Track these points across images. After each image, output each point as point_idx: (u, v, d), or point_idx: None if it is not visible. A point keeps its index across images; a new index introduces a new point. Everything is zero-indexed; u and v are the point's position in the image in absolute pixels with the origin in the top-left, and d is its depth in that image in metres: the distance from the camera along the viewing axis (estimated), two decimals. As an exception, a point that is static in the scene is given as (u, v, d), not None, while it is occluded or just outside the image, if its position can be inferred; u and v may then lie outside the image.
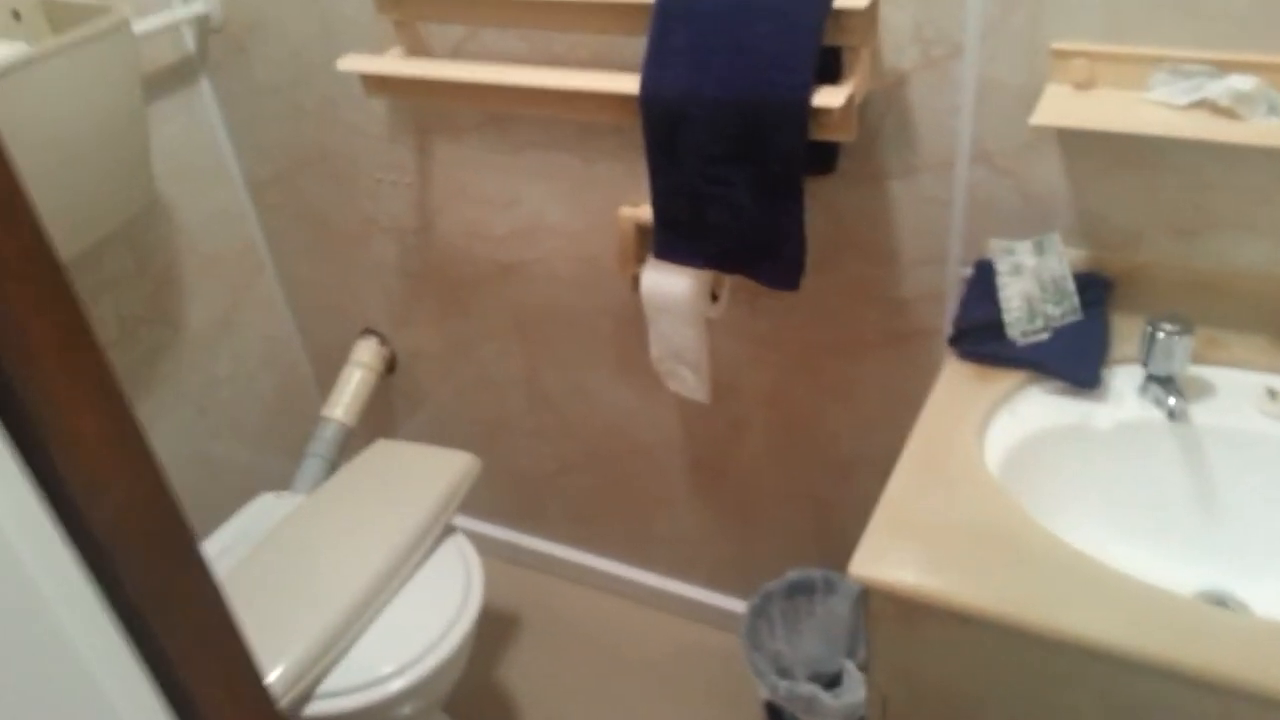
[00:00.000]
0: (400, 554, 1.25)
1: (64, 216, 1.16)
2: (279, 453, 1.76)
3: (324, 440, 1.57)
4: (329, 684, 1.13)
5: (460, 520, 1.83)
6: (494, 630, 1.68)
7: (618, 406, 1.48)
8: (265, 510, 1.40)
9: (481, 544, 1.84)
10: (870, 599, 0.82)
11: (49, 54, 1.08)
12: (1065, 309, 0.97)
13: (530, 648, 1.65)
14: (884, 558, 0.80)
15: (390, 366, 1.68)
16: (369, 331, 1.66)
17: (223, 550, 1.32)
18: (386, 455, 1.41)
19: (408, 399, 1.73)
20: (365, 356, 1.64)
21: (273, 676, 1.08)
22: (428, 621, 1.20)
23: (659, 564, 1.65)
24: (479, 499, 1.78)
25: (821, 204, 1.13)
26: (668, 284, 1.17)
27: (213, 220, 1.56)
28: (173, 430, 1.56)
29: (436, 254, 1.47)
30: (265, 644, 1.16)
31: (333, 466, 1.57)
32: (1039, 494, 0.87)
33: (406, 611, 1.22)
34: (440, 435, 1.72)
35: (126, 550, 0.44)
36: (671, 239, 1.09)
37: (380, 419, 1.79)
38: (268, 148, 1.51)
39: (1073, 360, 0.94)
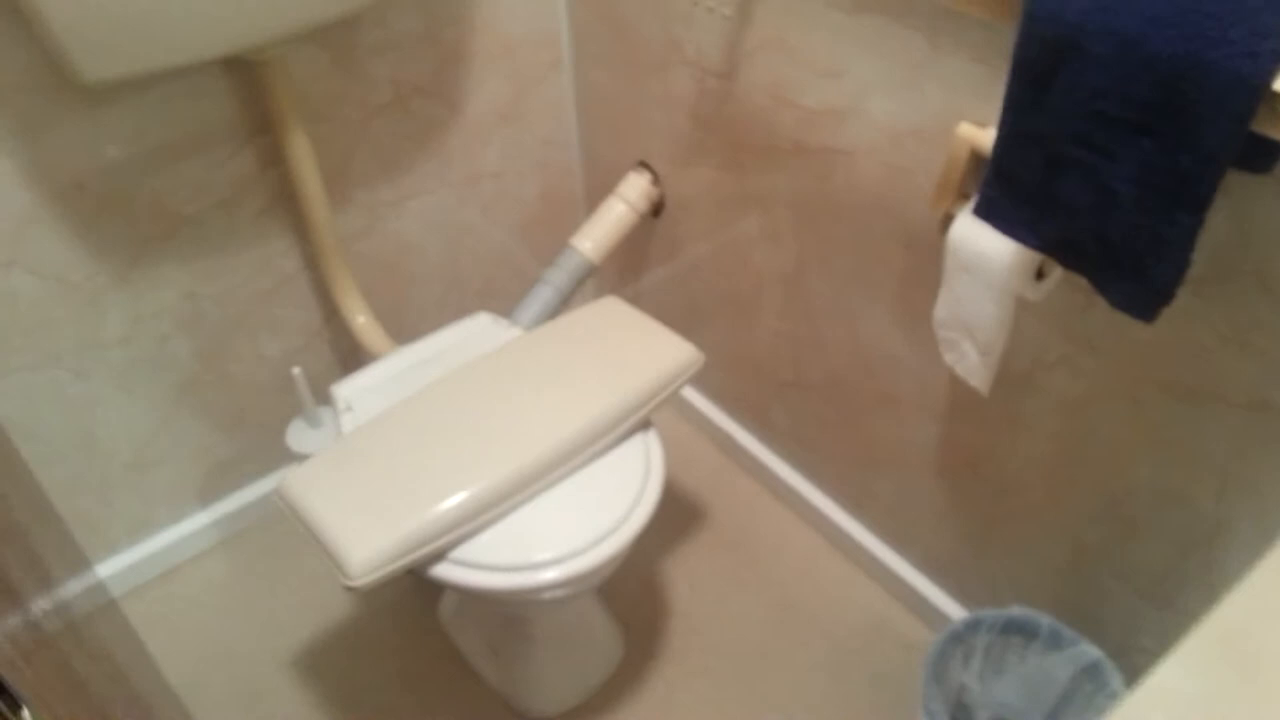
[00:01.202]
0: (591, 434, 1.12)
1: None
2: (517, 271, 1.68)
3: (564, 270, 1.45)
4: (472, 552, 1.05)
5: (686, 392, 1.70)
6: (678, 516, 1.57)
7: (880, 345, 1.24)
8: (479, 331, 1.31)
9: (699, 422, 1.70)
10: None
11: None
12: None
13: (707, 552, 1.53)
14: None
15: (656, 209, 1.52)
16: (644, 166, 1.49)
17: (423, 360, 1.26)
18: (612, 318, 1.27)
19: (663, 248, 1.56)
20: (632, 193, 1.48)
21: (409, 525, 1.02)
22: (594, 516, 1.08)
23: (871, 520, 1.44)
24: (707, 376, 1.63)
25: (1228, 210, 0.79)
26: (985, 241, 0.89)
27: (519, 1, 1.41)
28: (425, 212, 1.49)
29: (734, 106, 1.25)
30: (418, 484, 1.12)
31: (563, 300, 1.46)
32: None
33: (574, 497, 1.11)
34: (682, 298, 1.56)
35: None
36: (1001, 200, 0.81)
37: (628, 260, 1.64)
38: (590, -68, 1.31)
39: None
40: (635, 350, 1.21)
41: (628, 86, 1.43)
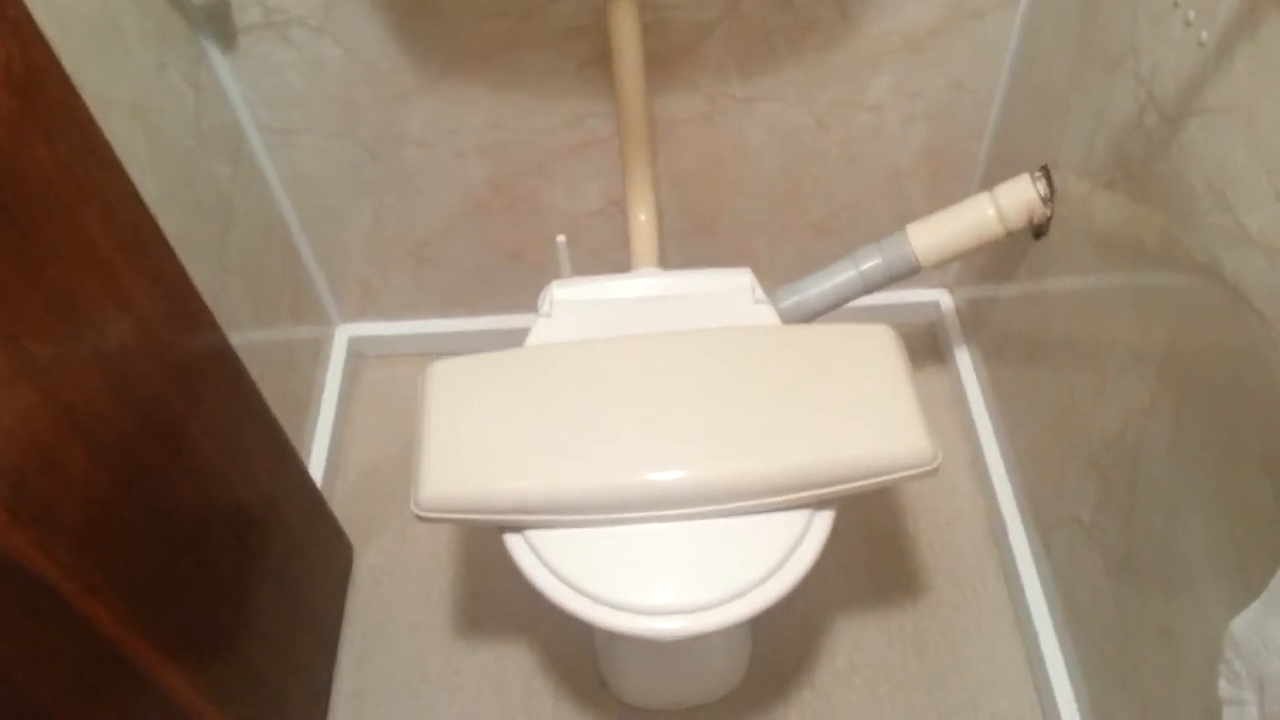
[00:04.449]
0: (767, 487, 0.90)
1: None
2: (859, 221, 1.39)
3: (880, 258, 1.17)
4: (571, 568, 0.89)
5: (988, 450, 1.36)
6: (893, 574, 1.30)
7: (1210, 593, 0.86)
8: (731, 293, 1.10)
9: (982, 483, 1.37)
10: None
11: None
12: None
13: (896, 639, 1.26)
14: None
15: (1037, 231, 1.15)
16: (1043, 173, 1.11)
17: (657, 298, 1.09)
18: (876, 360, 0.98)
19: (1016, 279, 1.20)
20: (1011, 200, 1.13)
21: (504, 486, 0.89)
22: (734, 570, 0.88)
23: (1095, 733, 1.08)
24: (1015, 440, 1.28)
25: None
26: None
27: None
28: (775, 121, 1.26)
29: (1162, 163, 0.85)
30: (546, 443, 0.90)
31: (858, 294, 1.19)
32: None
33: (720, 541, 0.91)
34: (1004, 350, 1.20)
35: None
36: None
37: (972, 273, 1.29)
38: None
39: None
40: (874, 415, 0.94)
41: (1069, 68, 1.05)
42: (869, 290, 1.19)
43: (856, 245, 1.26)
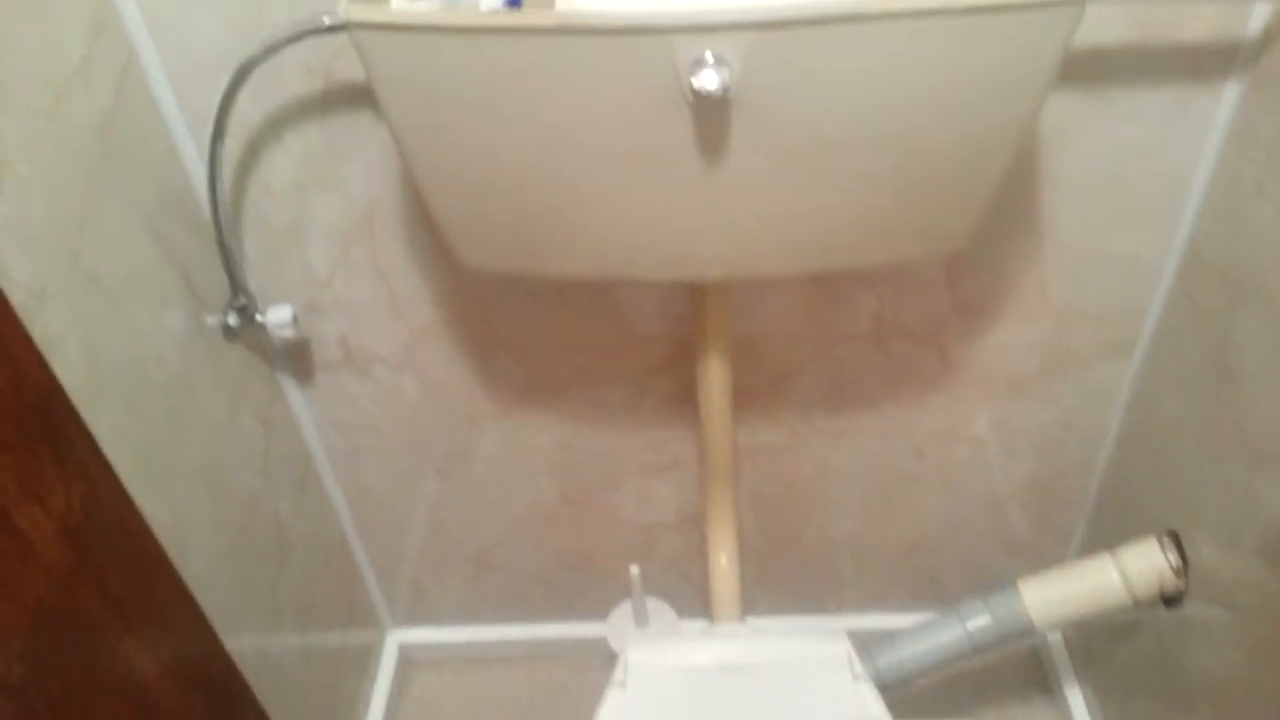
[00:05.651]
0: None
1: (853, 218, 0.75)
2: (953, 553, 1.29)
3: (989, 615, 1.06)
4: None
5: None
6: None
7: None
8: (821, 664, 0.99)
9: None
10: None
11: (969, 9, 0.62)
12: None
13: None
14: None
15: (1169, 600, 1.03)
16: (1171, 539, 1.01)
17: (737, 668, 0.99)
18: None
19: (1154, 641, 1.07)
20: (1137, 566, 1.02)
21: None
22: None
23: None
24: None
25: None
26: None
27: (1101, 270, 1.00)
28: (865, 450, 1.19)
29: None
30: None
31: (967, 659, 1.07)
32: None
33: None
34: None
35: None
36: None
37: (1083, 631, 1.17)
38: None
39: None
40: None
41: (1198, 435, 0.96)
42: (977, 653, 1.07)
43: (952, 567, 1.15)
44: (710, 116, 0.65)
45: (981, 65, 0.63)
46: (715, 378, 1.01)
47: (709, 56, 0.61)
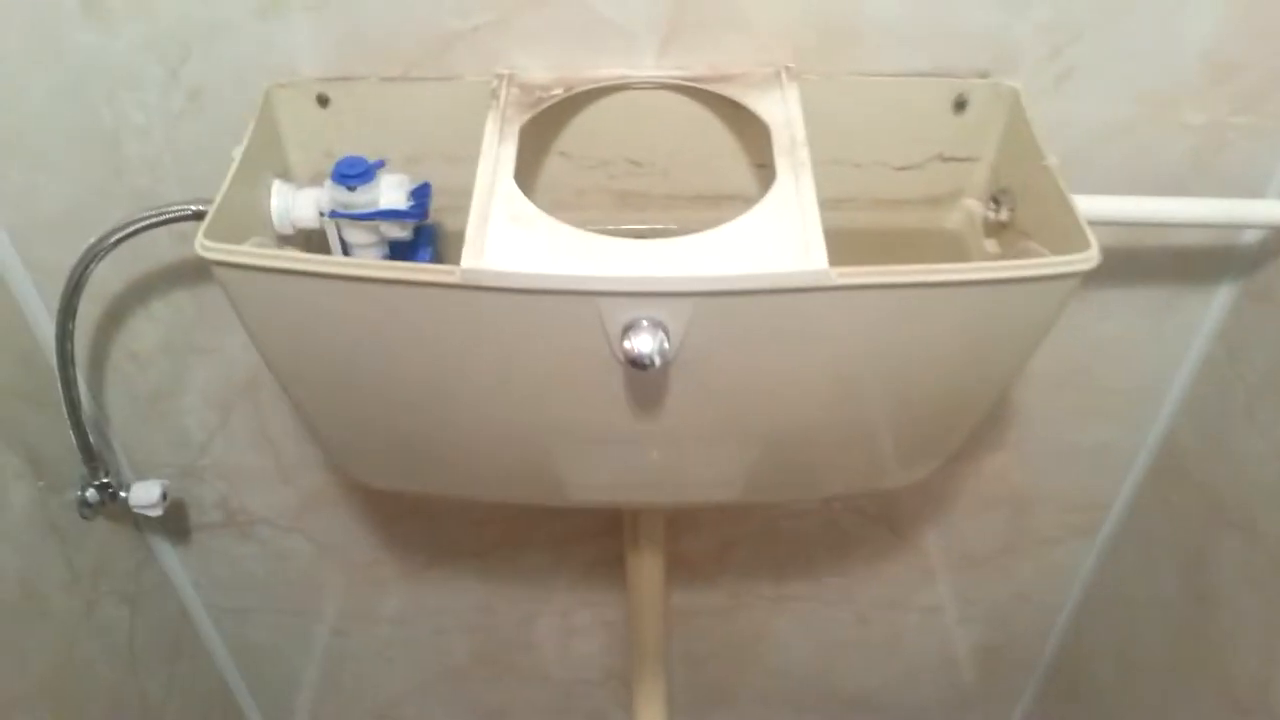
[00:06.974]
0: None
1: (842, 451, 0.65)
2: (905, 706, 1.21)
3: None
4: None
5: None
6: None
7: None
8: None
9: None
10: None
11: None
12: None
13: None
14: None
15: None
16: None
17: None
18: None
19: None
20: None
21: None
22: None
23: None
24: None
25: None
26: None
27: (1066, 459, 0.92)
28: (808, 618, 1.09)
29: None
30: None
31: None
32: None
33: None
34: None
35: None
36: None
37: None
38: None
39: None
40: None
41: (1174, 639, 0.88)
42: None
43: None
44: (644, 376, 0.54)
45: (960, 333, 0.54)
46: (647, 569, 0.90)
47: (644, 322, 0.50)
